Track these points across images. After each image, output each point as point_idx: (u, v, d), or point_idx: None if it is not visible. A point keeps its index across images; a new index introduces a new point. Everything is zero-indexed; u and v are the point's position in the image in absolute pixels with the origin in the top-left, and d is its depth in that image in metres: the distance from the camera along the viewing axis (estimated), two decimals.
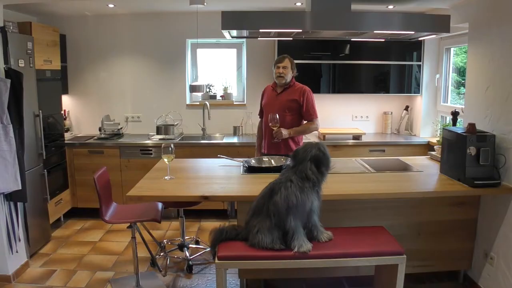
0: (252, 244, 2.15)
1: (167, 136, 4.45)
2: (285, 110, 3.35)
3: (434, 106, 4.57)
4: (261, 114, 3.64)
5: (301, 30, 2.73)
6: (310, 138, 4.38)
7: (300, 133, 3.44)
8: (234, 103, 4.84)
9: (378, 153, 4.26)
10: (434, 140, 4.14)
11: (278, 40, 4.30)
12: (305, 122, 3.45)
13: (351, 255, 2.15)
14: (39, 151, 3.60)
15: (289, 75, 3.37)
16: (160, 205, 3.11)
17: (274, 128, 3.25)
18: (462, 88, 4.24)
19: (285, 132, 3.28)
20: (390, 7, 3.74)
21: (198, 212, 4.34)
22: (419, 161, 3.28)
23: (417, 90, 4.56)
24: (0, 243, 3.01)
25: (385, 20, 2.68)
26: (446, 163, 2.81)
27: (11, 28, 3.34)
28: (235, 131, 4.72)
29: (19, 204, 3.19)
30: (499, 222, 2.67)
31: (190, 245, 3.57)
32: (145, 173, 2.92)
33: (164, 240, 3.73)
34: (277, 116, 3.22)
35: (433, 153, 3.39)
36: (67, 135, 4.46)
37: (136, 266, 2.95)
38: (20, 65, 3.25)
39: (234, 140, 4.46)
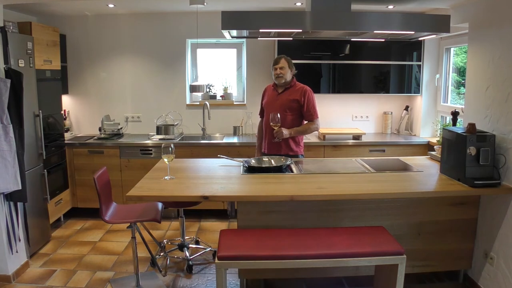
0: None
1: (167, 136, 4.45)
2: (285, 110, 3.36)
3: (434, 106, 4.57)
4: (261, 113, 3.64)
5: (301, 30, 2.73)
6: (310, 138, 4.39)
7: (301, 133, 3.44)
8: (234, 103, 4.84)
9: (378, 153, 4.26)
10: (434, 140, 4.14)
11: (278, 40, 4.31)
12: (306, 122, 3.45)
13: (351, 255, 2.15)
14: (39, 151, 3.60)
15: (288, 74, 3.38)
16: (160, 205, 3.11)
17: (275, 128, 3.25)
18: (462, 88, 4.24)
19: (285, 132, 3.28)
20: (390, 7, 3.74)
21: (198, 212, 4.34)
22: (419, 161, 3.28)
23: (417, 90, 4.56)
24: (0, 243, 3.01)
25: (385, 20, 2.68)
26: (446, 163, 2.81)
27: (11, 28, 3.34)
28: (235, 131, 4.72)
29: (19, 204, 3.19)
30: (499, 222, 2.68)
31: (190, 245, 3.57)
32: (145, 173, 2.92)
33: (164, 240, 3.73)
34: (278, 116, 3.22)
35: (433, 153, 3.39)
36: (67, 135, 4.46)
37: (136, 266, 2.95)
38: (20, 65, 3.25)
39: (234, 140, 4.46)
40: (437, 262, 2.87)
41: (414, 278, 2.94)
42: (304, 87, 3.42)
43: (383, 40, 3.29)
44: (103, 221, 2.83)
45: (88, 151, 4.29)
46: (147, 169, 3.07)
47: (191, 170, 3.08)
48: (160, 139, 4.39)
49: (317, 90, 4.50)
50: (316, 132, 4.57)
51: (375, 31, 2.73)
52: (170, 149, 2.76)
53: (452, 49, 4.36)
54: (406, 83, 4.54)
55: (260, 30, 2.74)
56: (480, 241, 2.86)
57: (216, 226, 4.18)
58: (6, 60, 3.08)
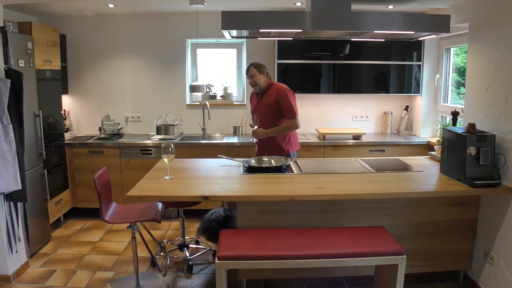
0: None
1: (167, 136, 4.45)
2: (266, 115, 3.38)
3: (434, 106, 4.57)
4: None
5: (301, 30, 2.73)
6: (310, 138, 4.38)
7: (279, 132, 3.41)
8: (234, 103, 4.84)
9: (378, 153, 4.26)
10: (434, 140, 4.14)
11: (278, 40, 4.30)
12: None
13: (351, 255, 2.15)
14: (39, 151, 3.60)
15: (261, 80, 3.42)
16: (160, 205, 3.11)
17: (253, 128, 3.30)
18: (462, 88, 4.24)
19: (262, 133, 3.33)
20: (390, 7, 3.74)
21: (198, 212, 4.33)
22: (419, 161, 3.28)
23: (417, 90, 4.56)
24: (0, 243, 3.01)
25: (385, 20, 2.68)
26: (446, 163, 2.81)
27: (11, 28, 3.34)
28: (235, 131, 4.72)
29: (19, 204, 3.19)
30: (499, 222, 2.68)
31: (190, 245, 3.57)
32: (145, 173, 2.92)
33: (164, 240, 3.73)
34: (257, 117, 3.27)
35: (433, 153, 3.39)
36: (67, 135, 4.46)
37: (136, 266, 2.95)
38: (20, 65, 3.25)
39: (234, 140, 4.46)
40: (437, 262, 2.87)
41: (414, 278, 2.94)
42: (280, 88, 3.43)
43: (383, 40, 3.29)
44: (103, 221, 2.83)
45: (88, 151, 4.29)
46: (147, 169, 3.07)
47: (191, 170, 3.08)
48: (160, 139, 4.39)
49: (317, 90, 4.51)
50: (316, 132, 4.59)
51: (375, 31, 2.73)
52: (170, 149, 2.76)
53: (452, 49, 4.36)
54: (406, 83, 4.54)
55: (260, 30, 2.74)
56: (480, 241, 2.86)
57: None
58: (6, 60, 3.08)
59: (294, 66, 4.42)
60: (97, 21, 4.63)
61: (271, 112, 3.38)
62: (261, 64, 3.46)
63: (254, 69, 3.42)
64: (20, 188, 3.05)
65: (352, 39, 3.90)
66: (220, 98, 4.90)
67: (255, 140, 3.40)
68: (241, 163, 3.15)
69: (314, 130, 4.62)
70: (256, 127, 3.34)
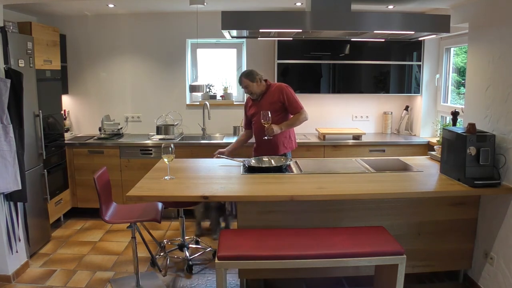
0: None
1: (167, 136, 4.45)
2: (271, 112, 3.36)
3: (434, 106, 4.57)
4: (247, 125, 3.71)
5: (301, 30, 2.74)
6: (310, 138, 4.38)
7: (291, 125, 3.45)
8: (234, 103, 4.84)
9: (378, 153, 4.26)
10: (434, 140, 4.14)
11: (278, 40, 4.30)
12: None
13: (351, 255, 2.15)
14: (39, 151, 3.60)
15: (255, 88, 3.43)
16: (160, 205, 3.11)
17: (265, 125, 3.25)
18: (462, 88, 4.24)
19: (276, 128, 3.29)
20: (390, 7, 3.74)
21: None
22: (419, 161, 3.28)
23: (417, 90, 4.56)
24: (0, 243, 3.01)
25: (385, 20, 2.68)
26: (446, 163, 2.81)
27: (11, 28, 3.34)
28: (235, 131, 4.72)
29: (19, 204, 3.19)
30: (499, 222, 2.68)
31: (190, 245, 3.57)
32: (145, 173, 2.92)
33: (164, 240, 3.73)
34: (269, 113, 3.22)
35: (433, 153, 3.39)
36: (67, 135, 4.46)
37: (136, 266, 2.95)
38: (20, 65, 3.25)
39: (234, 140, 4.45)
40: (437, 262, 2.87)
41: (414, 278, 2.94)
42: (279, 86, 3.45)
43: (383, 40, 3.29)
44: (103, 221, 2.83)
45: (88, 151, 4.29)
46: (147, 169, 3.07)
47: (191, 170, 3.08)
48: (160, 139, 4.39)
49: (317, 90, 4.51)
50: (316, 132, 4.59)
51: (375, 31, 2.73)
52: (170, 149, 2.76)
53: (452, 49, 4.36)
54: (406, 83, 4.54)
55: (260, 30, 2.74)
56: (480, 241, 2.86)
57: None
58: (6, 60, 3.08)
59: (294, 66, 4.42)
60: (97, 21, 4.63)
61: (274, 109, 3.38)
62: (252, 72, 3.45)
63: (245, 79, 3.43)
64: (20, 188, 3.05)
65: (352, 39, 3.90)
66: (220, 98, 4.90)
67: (268, 137, 3.29)
68: (241, 163, 3.15)
69: (314, 130, 4.62)
70: (269, 123, 3.23)
